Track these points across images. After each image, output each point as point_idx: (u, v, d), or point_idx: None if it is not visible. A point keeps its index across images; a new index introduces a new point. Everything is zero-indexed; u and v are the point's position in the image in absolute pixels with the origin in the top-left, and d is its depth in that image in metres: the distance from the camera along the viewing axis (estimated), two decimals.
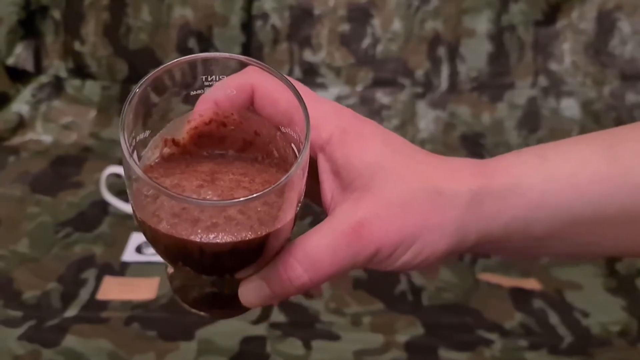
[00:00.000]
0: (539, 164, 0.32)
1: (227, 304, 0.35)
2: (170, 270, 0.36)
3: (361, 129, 0.32)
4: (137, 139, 0.30)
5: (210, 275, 0.33)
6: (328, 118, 0.32)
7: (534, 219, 0.32)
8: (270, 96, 0.31)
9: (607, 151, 0.32)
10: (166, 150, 0.32)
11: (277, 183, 0.27)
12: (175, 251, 0.29)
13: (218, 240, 0.28)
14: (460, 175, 0.32)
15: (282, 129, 0.31)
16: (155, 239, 0.29)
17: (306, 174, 0.29)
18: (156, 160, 0.32)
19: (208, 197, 0.30)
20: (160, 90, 0.30)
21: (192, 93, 0.31)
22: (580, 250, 0.35)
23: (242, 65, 0.31)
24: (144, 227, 0.29)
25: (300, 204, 0.30)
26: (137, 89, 0.29)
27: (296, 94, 0.29)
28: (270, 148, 0.32)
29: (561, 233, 0.32)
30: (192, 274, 0.33)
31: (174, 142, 0.32)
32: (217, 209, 0.28)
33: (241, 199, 0.27)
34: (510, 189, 0.32)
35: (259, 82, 0.31)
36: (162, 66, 0.30)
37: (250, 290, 0.32)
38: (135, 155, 0.30)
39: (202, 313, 0.35)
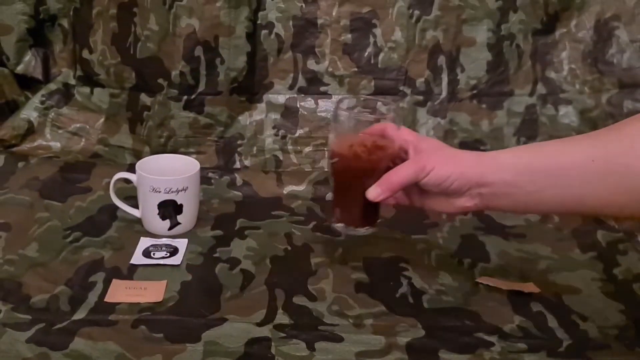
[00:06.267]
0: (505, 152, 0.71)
1: (368, 220, 0.76)
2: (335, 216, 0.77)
3: (425, 137, 0.81)
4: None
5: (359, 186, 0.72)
6: (411, 133, 0.76)
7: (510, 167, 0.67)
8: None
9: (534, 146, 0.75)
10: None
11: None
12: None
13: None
14: (468, 154, 0.72)
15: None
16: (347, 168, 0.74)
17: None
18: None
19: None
20: None
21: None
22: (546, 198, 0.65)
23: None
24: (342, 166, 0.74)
25: (392, 161, 0.71)
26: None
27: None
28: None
29: (520, 181, 0.65)
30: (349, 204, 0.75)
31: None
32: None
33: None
34: (494, 157, 0.69)
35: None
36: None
37: (372, 189, 0.70)
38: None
39: (359, 229, 0.76)
